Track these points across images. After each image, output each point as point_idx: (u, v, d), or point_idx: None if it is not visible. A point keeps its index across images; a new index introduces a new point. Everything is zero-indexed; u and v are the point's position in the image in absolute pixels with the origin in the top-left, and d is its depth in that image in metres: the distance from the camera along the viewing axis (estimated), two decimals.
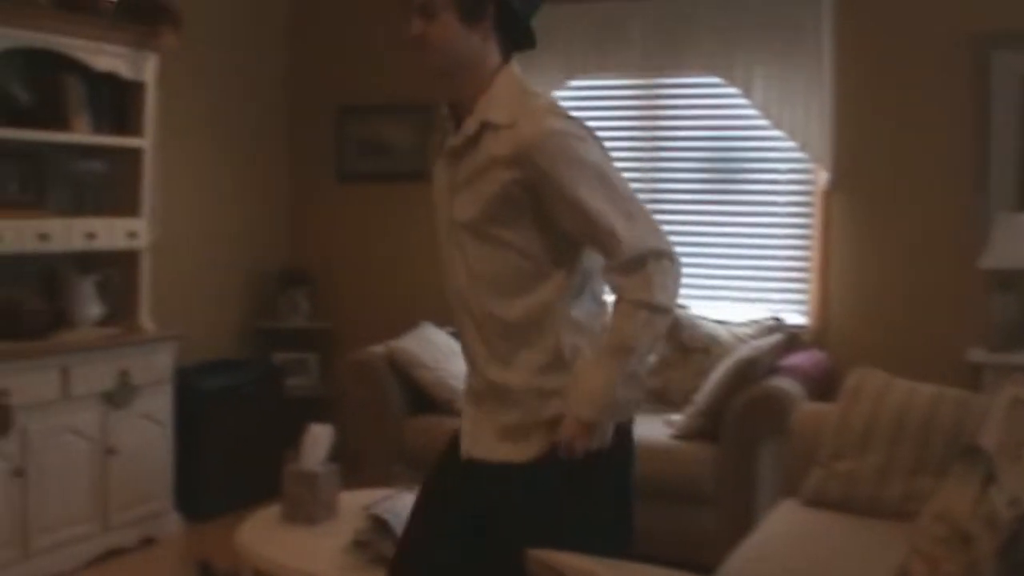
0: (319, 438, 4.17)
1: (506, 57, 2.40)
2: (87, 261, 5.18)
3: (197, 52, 5.81)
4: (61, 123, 4.94)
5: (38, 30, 4.70)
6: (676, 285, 2.35)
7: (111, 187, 5.31)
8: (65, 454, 4.71)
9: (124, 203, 5.27)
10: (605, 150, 2.38)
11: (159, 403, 5.20)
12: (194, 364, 5.68)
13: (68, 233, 4.92)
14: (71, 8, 4.84)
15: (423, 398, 5.45)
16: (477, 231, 2.37)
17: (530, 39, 2.45)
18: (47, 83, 4.95)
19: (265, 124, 6.69)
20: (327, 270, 6.74)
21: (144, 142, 5.25)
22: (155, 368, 5.18)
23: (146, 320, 5.29)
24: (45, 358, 4.68)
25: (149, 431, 5.14)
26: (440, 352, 5.53)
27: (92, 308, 5.15)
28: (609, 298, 2.45)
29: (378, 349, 5.57)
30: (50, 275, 5.10)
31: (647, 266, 2.29)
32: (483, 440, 2.47)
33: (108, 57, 5.02)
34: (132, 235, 5.22)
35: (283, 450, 4.17)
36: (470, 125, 2.36)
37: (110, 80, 5.09)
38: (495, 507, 2.44)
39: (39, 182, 5.00)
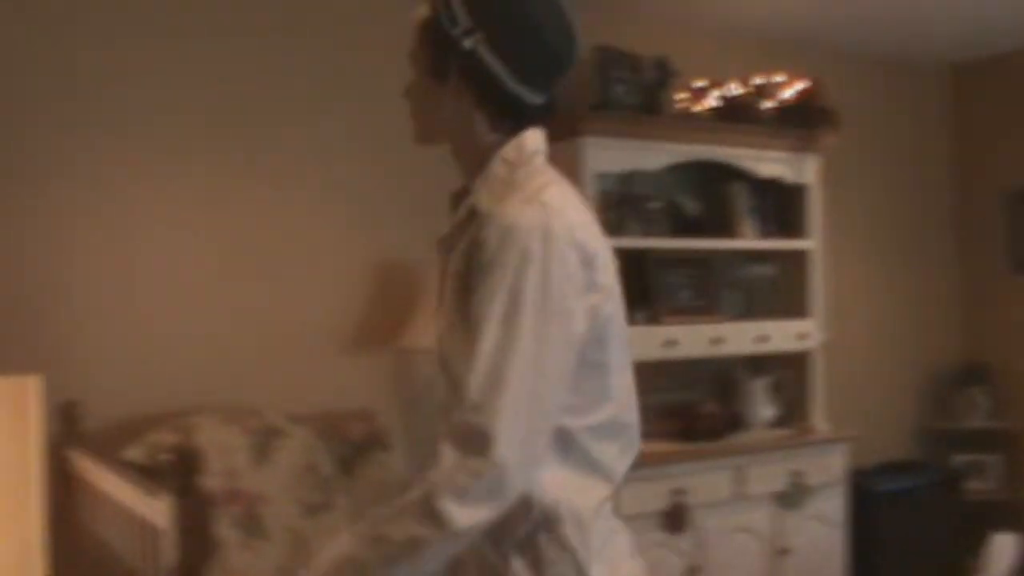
0: (1004, 549, 3.86)
1: (510, 130, 1.86)
2: (759, 363, 5.26)
3: (857, 148, 5.79)
4: (728, 230, 5.13)
5: (704, 143, 4.95)
6: (483, 506, 1.63)
7: (780, 290, 5.39)
8: (738, 553, 4.77)
9: (793, 305, 5.31)
10: (560, 285, 1.68)
11: (832, 505, 5.10)
12: (867, 465, 5.53)
13: (740, 336, 5.05)
14: (733, 119, 5.04)
15: None
16: (456, 341, 1.77)
17: (533, 110, 1.88)
18: (714, 192, 5.19)
19: (930, 214, 6.46)
20: (1006, 366, 6.27)
21: (810, 243, 5.27)
22: (828, 469, 5.11)
23: (818, 421, 5.25)
24: (720, 459, 4.80)
25: (821, 533, 5.05)
26: None
27: (765, 410, 5.22)
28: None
29: None
30: (723, 378, 5.26)
31: (469, 450, 1.63)
32: None
33: (770, 163, 5.14)
34: (802, 336, 5.23)
35: (963, 559, 3.90)
36: (461, 211, 1.86)
37: (773, 185, 5.20)
38: None
39: (710, 288, 5.19)
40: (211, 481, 3.49)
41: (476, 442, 1.62)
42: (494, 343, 1.65)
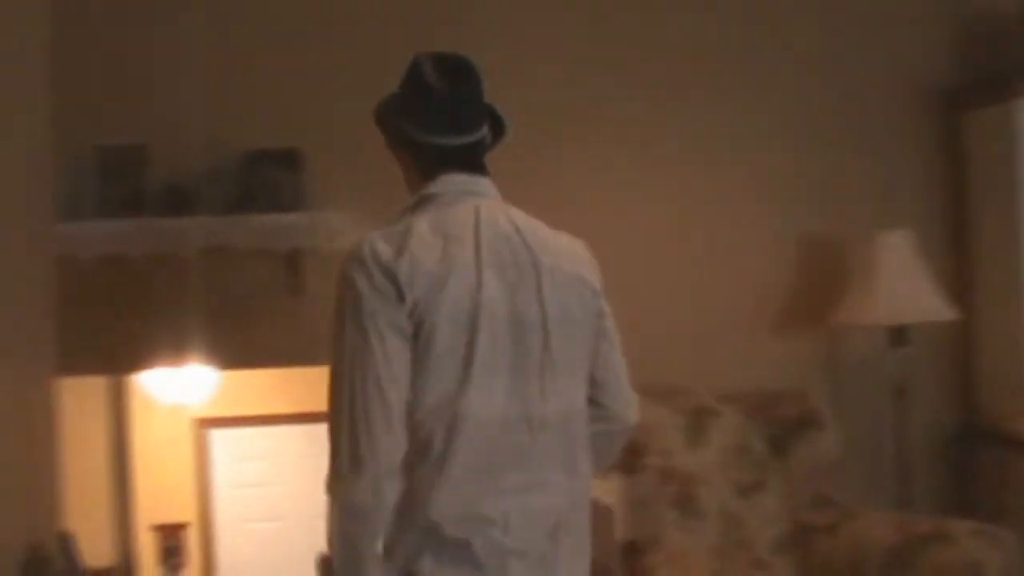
0: None
1: (437, 174, 2.21)
2: None
3: None
4: None
5: None
6: (351, 478, 1.98)
7: None
8: None
9: None
10: (367, 295, 2.03)
11: None
12: None
13: None
14: None
15: None
16: None
17: (453, 150, 2.21)
18: None
19: None
20: None
21: None
22: None
23: None
24: None
25: None
26: None
27: None
28: None
29: None
30: None
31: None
32: None
33: None
34: None
35: None
36: None
37: None
38: None
39: None
40: (649, 461, 3.52)
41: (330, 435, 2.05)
42: (333, 356, 2.05)
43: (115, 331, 4.09)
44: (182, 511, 5.90)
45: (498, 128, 2.30)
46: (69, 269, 3.76)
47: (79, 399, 3.38)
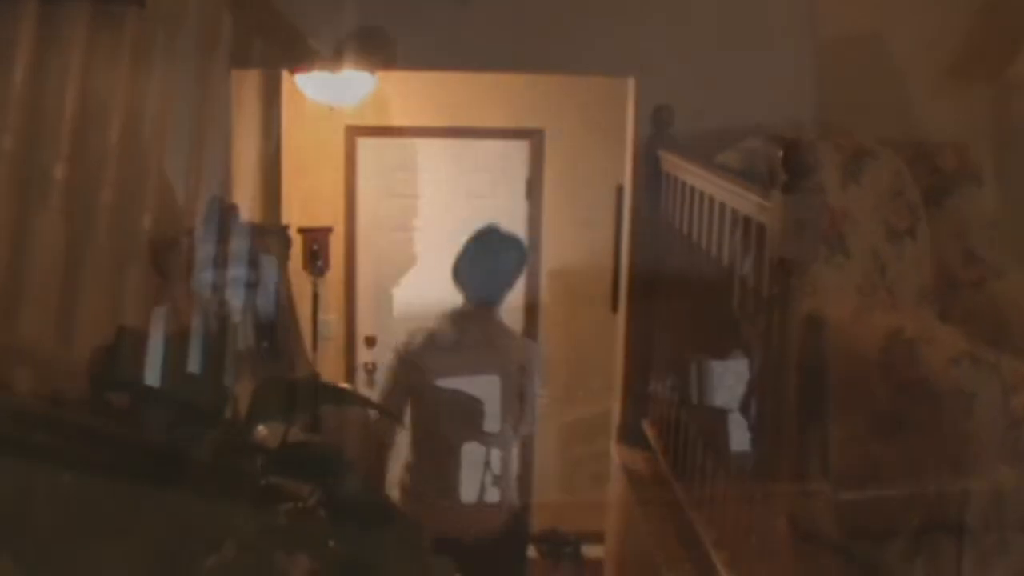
0: None
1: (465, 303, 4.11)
2: None
3: None
4: None
5: None
6: None
7: None
8: None
9: None
10: (401, 377, 4.05)
11: None
12: None
13: None
14: None
15: None
16: None
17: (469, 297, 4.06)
18: None
19: None
20: None
21: None
22: None
23: None
24: None
25: None
26: None
27: None
28: None
29: None
30: None
31: None
32: None
33: None
34: None
35: None
36: None
37: None
38: None
39: None
40: (810, 184, 3.45)
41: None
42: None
43: (275, 26, 4.11)
44: (328, 215, 6.07)
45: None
46: None
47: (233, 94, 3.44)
